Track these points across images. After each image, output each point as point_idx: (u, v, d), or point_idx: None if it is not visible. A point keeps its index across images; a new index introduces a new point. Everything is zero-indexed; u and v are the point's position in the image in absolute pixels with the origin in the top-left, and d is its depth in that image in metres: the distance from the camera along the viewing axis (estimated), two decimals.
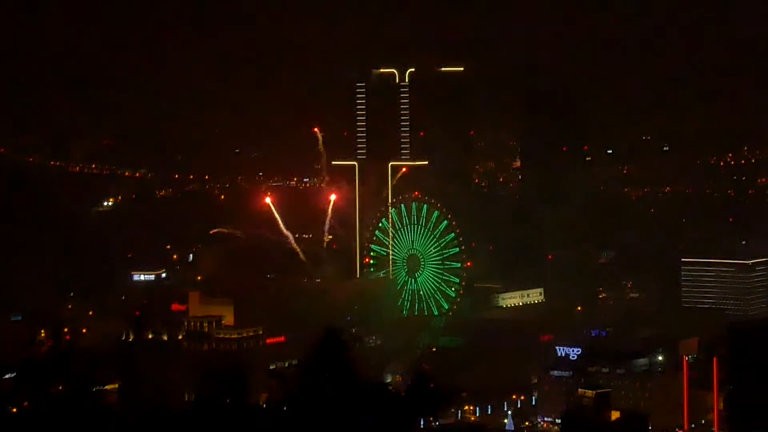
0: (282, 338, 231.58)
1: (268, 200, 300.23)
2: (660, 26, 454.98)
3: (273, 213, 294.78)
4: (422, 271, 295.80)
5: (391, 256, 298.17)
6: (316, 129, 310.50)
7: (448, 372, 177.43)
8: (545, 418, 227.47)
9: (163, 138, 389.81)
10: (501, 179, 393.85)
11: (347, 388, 45.80)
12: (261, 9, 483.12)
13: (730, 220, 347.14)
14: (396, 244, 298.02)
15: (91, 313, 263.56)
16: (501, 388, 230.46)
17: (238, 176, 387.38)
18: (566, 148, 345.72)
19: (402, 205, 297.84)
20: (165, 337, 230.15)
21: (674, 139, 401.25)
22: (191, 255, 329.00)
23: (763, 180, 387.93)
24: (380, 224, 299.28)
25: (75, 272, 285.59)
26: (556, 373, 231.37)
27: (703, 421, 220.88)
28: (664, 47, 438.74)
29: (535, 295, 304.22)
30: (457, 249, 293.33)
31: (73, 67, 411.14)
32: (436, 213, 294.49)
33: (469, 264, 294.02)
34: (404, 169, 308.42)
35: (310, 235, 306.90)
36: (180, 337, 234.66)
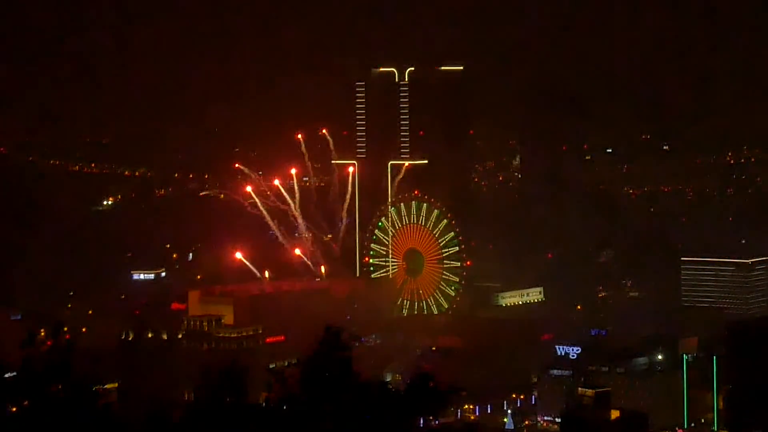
0: (281, 337, 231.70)
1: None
2: (660, 26, 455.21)
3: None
4: (422, 270, 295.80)
5: (390, 256, 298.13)
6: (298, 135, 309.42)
7: (448, 371, 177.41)
8: (545, 417, 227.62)
9: (163, 138, 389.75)
10: (501, 179, 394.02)
11: (347, 388, 45.84)
12: (261, 8, 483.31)
13: (730, 219, 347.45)
14: (396, 243, 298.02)
15: (91, 312, 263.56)
16: (501, 387, 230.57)
17: (237, 176, 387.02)
18: (566, 148, 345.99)
19: (402, 204, 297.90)
20: (165, 337, 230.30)
21: (674, 139, 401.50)
22: (191, 254, 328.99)
23: (763, 179, 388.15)
24: (380, 223, 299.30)
25: (75, 272, 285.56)
26: (555, 372, 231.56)
27: (702, 420, 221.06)
28: (665, 46, 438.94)
29: (534, 295, 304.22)
30: (457, 248, 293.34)
31: (73, 66, 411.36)
32: (436, 212, 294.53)
33: (468, 263, 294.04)
34: (407, 164, 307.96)
35: (310, 234, 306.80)
36: (180, 336, 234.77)
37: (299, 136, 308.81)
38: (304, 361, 46.71)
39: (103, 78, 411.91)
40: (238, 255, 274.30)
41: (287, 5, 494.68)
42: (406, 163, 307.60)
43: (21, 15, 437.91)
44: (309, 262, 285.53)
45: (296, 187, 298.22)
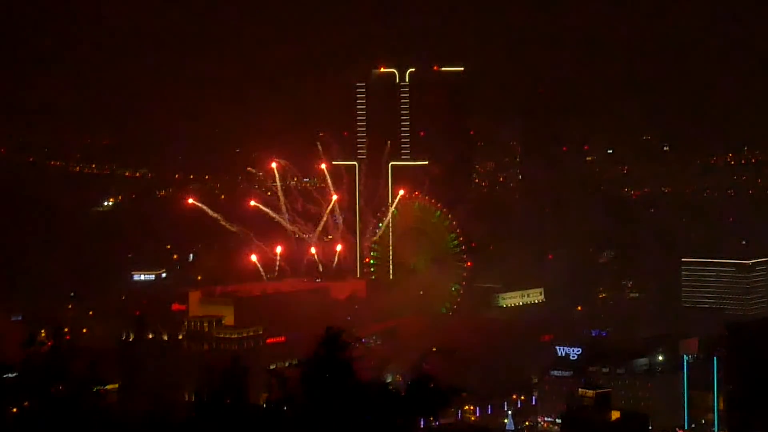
0: (282, 338, 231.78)
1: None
2: (661, 26, 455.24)
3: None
4: (422, 271, 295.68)
5: (391, 256, 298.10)
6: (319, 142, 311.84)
7: (449, 372, 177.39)
8: (545, 418, 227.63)
9: (163, 138, 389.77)
10: (501, 179, 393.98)
11: (347, 388, 45.84)
12: (262, 9, 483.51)
13: (730, 220, 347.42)
14: (396, 244, 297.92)
15: (91, 313, 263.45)
16: (501, 388, 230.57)
17: (237, 176, 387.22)
18: (566, 148, 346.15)
19: (402, 204, 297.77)
20: (165, 337, 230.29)
21: (674, 139, 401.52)
22: (191, 255, 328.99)
23: (763, 180, 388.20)
24: (380, 224, 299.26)
25: (75, 272, 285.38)
26: (556, 372, 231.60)
27: (703, 421, 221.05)
28: (665, 47, 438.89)
29: (535, 295, 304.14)
30: (458, 249, 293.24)
31: (73, 66, 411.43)
32: (436, 213, 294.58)
33: (469, 264, 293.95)
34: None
35: (310, 235, 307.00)
36: (180, 337, 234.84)
37: (320, 136, 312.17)
38: (304, 362, 46.72)
39: (104, 78, 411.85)
40: (191, 201, 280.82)
41: (288, 7, 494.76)
42: (402, 192, 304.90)
43: (22, 14, 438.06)
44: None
45: (331, 186, 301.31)
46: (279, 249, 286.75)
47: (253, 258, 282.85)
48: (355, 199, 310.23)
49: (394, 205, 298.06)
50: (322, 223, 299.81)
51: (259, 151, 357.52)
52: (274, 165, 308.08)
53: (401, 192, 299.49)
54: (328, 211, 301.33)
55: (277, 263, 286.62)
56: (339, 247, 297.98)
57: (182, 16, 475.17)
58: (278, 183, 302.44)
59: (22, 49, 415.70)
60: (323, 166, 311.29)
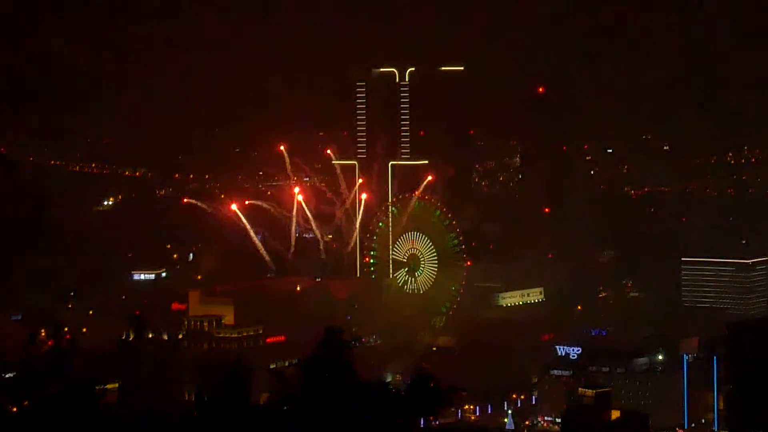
0: (282, 338, 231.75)
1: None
2: (661, 26, 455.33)
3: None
4: (422, 271, 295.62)
5: (390, 256, 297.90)
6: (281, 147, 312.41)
7: (449, 371, 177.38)
8: (545, 418, 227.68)
9: (163, 138, 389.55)
10: (501, 179, 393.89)
11: (347, 388, 45.87)
12: (261, 9, 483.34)
13: (730, 219, 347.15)
14: (396, 244, 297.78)
15: (91, 312, 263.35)
16: (501, 387, 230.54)
17: (238, 176, 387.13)
18: (566, 148, 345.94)
19: (402, 204, 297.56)
20: (165, 337, 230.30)
21: (674, 139, 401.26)
22: (191, 254, 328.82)
23: (763, 179, 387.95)
24: (380, 224, 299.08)
25: (75, 272, 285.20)
26: (556, 372, 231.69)
27: (703, 421, 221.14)
28: (665, 46, 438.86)
29: (535, 295, 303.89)
30: (457, 248, 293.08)
31: (73, 66, 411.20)
32: (436, 212, 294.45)
33: (469, 263, 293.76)
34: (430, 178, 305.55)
35: (311, 235, 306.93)
36: (180, 336, 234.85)
37: (320, 135, 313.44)
38: (304, 362, 46.75)
39: (103, 78, 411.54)
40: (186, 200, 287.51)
41: (287, 5, 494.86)
42: (429, 177, 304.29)
43: (22, 14, 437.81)
44: None
45: (342, 179, 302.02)
46: (300, 197, 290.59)
47: (234, 207, 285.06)
48: (355, 199, 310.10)
49: (420, 189, 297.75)
50: (340, 211, 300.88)
51: (259, 150, 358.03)
52: (282, 148, 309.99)
53: (429, 177, 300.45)
54: (350, 200, 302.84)
55: (290, 256, 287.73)
56: (364, 196, 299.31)
57: (182, 17, 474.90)
58: (287, 160, 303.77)
59: (22, 48, 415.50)
60: (329, 151, 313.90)
